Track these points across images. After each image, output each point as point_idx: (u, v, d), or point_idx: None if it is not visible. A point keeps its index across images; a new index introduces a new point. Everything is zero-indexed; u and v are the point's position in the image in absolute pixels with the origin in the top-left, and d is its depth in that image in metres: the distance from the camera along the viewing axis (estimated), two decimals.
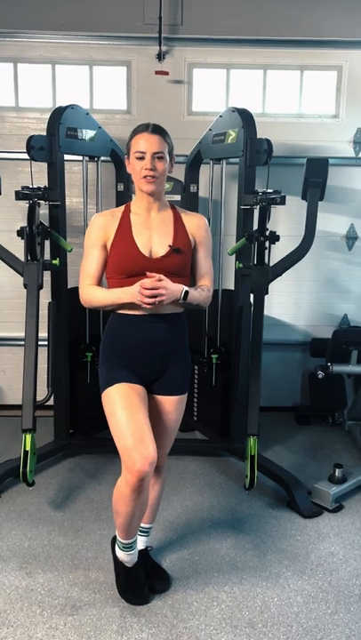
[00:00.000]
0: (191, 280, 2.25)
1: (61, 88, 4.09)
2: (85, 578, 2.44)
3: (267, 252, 3.07)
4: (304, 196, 3.32)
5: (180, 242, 2.15)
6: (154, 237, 2.13)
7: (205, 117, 3.97)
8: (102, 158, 3.71)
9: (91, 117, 3.51)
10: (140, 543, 2.42)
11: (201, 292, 2.19)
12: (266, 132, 3.24)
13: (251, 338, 3.01)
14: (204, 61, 4.07)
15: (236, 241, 3.33)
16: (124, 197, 3.79)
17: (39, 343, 2.97)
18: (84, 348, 3.64)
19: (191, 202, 3.77)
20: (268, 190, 3.08)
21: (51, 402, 3.37)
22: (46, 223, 3.22)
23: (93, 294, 2.14)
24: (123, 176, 3.80)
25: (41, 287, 3.05)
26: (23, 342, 2.93)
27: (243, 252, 3.28)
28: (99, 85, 4.11)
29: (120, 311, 2.14)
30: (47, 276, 3.30)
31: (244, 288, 3.34)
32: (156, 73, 3.88)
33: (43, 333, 3.11)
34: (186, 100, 4.10)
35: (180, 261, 2.14)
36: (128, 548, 2.23)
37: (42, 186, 3.16)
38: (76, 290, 2.24)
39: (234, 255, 3.37)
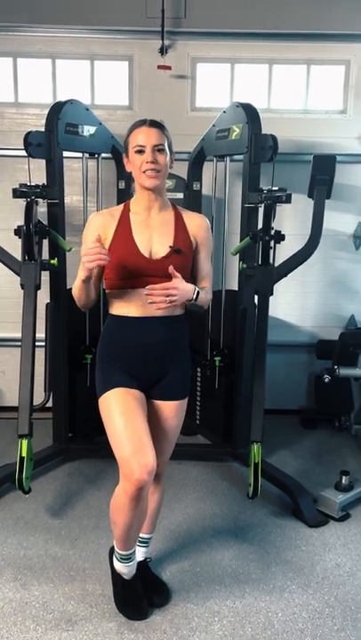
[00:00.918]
0: (192, 282, 2.15)
1: (62, 83, 4.00)
2: (82, 590, 2.35)
3: (272, 251, 2.96)
4: (311, 193, 3.22)
5: (181, 242, 2.06)
6: (154, 238, 2.04)
7: (209, 113, 3.87)
8: (103, 155, 3.61)
9: (91, 113, 3.42)
10: (140, 554, 2.34)
11: (206, 295, 2.10)
12: (271, 128, 3.14)
13: (255, 340, 2.91)
14: (208, 56, 3.97)
15: (240, 240, 3.23)
16: (125, 195, 3.69)
17: (38, 344, 2.88)
18: (83, 349, 3.55)
19: (194, 200, 3.67)
20: (274, 188, 2.98)
21: (50, 404, 3.30)
22: (45, 222, 3.13)
23: (74, 287, 2.05)
24: (124, 173, 3.69)
25: (38, 287, 2.97)
26: (21, 343, 2.84)
27: (247, 251, 3.18)
28: (100, 80, 4.02)
29: (117, 313, 2.06)
30: (45, 276, 3.21)
31: (247, 289, 3.24)
32: (159, 67, 3.78)
33: (41, 334, 3.03)
34: (189, 96, 4.00)
35: (181, 262, 2.04)
36: (126, 559, 2.14)
37: (40, 183, 3.07)
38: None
39: (237, 255, 3.27)
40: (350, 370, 3.46)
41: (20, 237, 2.96)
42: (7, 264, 3.05)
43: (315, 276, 4.18)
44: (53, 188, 3.16)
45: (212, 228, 2.22)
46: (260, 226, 3.04)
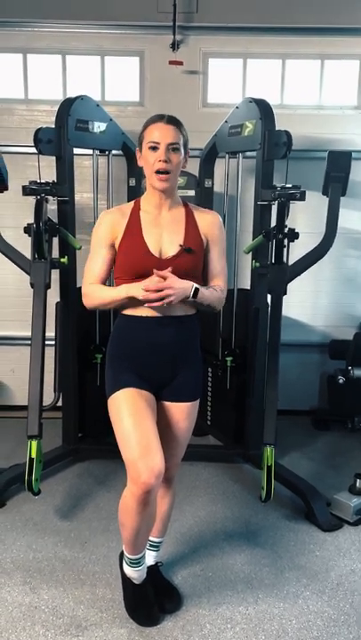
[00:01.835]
0: (203, 281, 2.10)
1: (72, 79, 3.96)
2: (92, 595, 2.31)
3: (285, 250, 2.90)
4: (325, 191, 3.16)
5: (192, 241, 2.01)
6: (164, 236, 1.99)
7: (221, 109, 3.80)
8: (113, 152, 3.56)
9: (101, 109, 3.37)
10: (150, 558, 2.29)
11: (213, 292, 2.04)
12: (284, 124, 3.07)
13: (268, 341, 2.85)
14: (220, 51, 3.92)
15: (253, 238, 3.18)
16: (135, 193, 3.63)
17: (47, 343, 2.85)
18: (93, 348, 3.51)
19: (206, 197, 3.62)
20: (287, 185, 2.92)
21: (59, 403, 3.27)
22: (55, 220, 3.09)
23: (95, 290, 2.02)
24: (135, 170, 3.65)
25: (48, 286, 2.93)
26: (31, 341, 2.80)
27: (259, 250, 3.12)
28: (110, 76, 3.97)
29: (127, 312, 2.01)
30: (55, 274, 3.17)
31: (260, 288, 3.18)
32: (170, 63, 3.73)
33: (51, 332, 2.99)
34: (201, 92, 3.95)
35: (192, 261, 2.00)
36: (136, 563, 2.10)
37: (50, 181, 3.03)
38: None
39: (250, 253, 3.21)
40: None
41: (29, 235, 2.93)
42: (17, 262, 3.02)
43: (327, 274, 4.11)
44: (63, 185, 3.12)
45: (223, 225, 2.16)
46: (273, 224, 2.99)
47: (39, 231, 2.86)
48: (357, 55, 3.92)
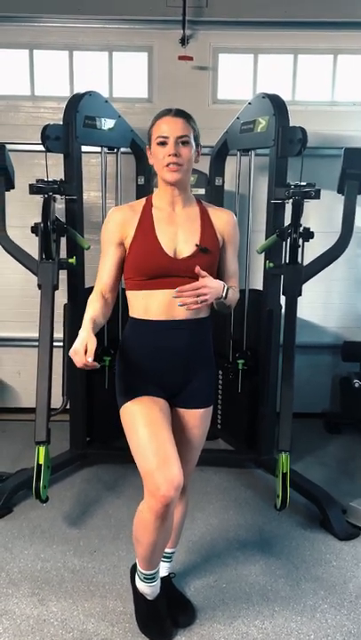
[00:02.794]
0: None
1: (79, 75, 3.89)
2: (102, 607, 2.23)
3: (300, 250, 2.82)
4: (340, 189, 3.07)
5: (208, 240, 1.92)
6: (179, 235, 1.91)
7: (231, 106, 3.72)
8: (122, 150, 3.49)
9: (110, 105, 3.29)
10: (163, 569, 2.21)
11: (234, 293, 1.96)
12: (296, 120, 3.00)
13: (283, 345, 2.77)
14: (231, 46, 3.84)
15: (266, 238, 3.09)
16: (144, 191, 3.55)
17: (55, 344, 2.77)
18: (101, 351, 3.43)
19: (216, 195, 3.53)
20: (302, 183, 2.84)
21: (67, 406, 3.20)
22: (62, 219, 3.01)
23: (88, 305, 1.90)
24: (144, 168, 3.57)
25: (56, 288, 2.86)
26: (37, 343, 2.73)
27: (272, 250, 3.04)
28: (118, 72, 3.90)
29: (137, 316, 1.93)
30: (63, 274, 3.10)
31: (273, 289, 3.10)
32: (180, 58, 3.65)
33: (58, 334, 2.91)
34: (211, 88, 3.87)
35: (208, 262, 1.91)
36: (150, 579, 2.01)
37: (58, 179, 2.95)
38: (93, 289, 2.02)
39: (262, 253, 3.12)
40: None
41: (36, 235, 2.86)
42: (24, 263, 2.95)
43: (339, 274, 4.02)
44: (71, 183, 3.05)
45: None
46: (286, 223, 2.90)
47: (47, 231, 2.79)
48: None
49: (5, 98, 3.89)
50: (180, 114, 1.87)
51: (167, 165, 1.84)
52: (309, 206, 3.14)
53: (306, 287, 3.40)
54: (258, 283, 3.40)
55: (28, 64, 3.86)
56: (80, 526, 2.79)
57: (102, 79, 3.88)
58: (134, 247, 1.89)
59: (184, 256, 1.88)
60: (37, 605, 2.24)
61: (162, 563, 2.17)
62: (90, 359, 1.66)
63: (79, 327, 3.27)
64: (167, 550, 2.20)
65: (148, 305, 1.89)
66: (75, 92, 3.24)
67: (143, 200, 1.98)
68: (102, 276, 1.95)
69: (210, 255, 1.92)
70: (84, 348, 1.68)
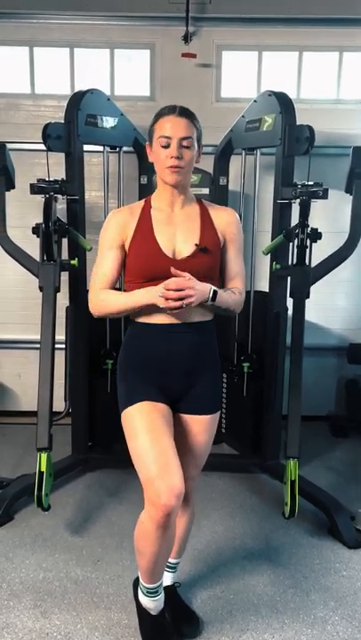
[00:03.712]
0: (220, 283, 1.95)
1: (80, 73, 3.82)
2: (107, 620, 2.17)
3: (307, 251, 2.75)
4: (349, 188, 3.01)
5: (208, 240, 1.86)
6: (178, 235, 1.85)
7: (235, 104, 3.67)
8: (124, 149, 3.42)
9: (112, 103, 3.23)
10: (167, 579, 2.15)
11: (231, 295, 1.89)
12: (301, 119, 2.93)
13: (290, 348, 2.71)
14: (234, 43, 3.78)
15: (272, 239, 3.03)
16: (147, 191, 3.49)
17: (56, 347, 2.71)
18: (104, 354, 3.37)
19: (220, 195, 3.47)
20: (309, 182, 2.77)
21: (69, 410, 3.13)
22: (64, 219, 2.94)
23: (107, 298, 1.86)
24: (146, 168, 3.51)
25: (58, 290, 2.79)
26: (38, 346, 2.67)
27: (278, 251, 2.97)
28: (120, 70, 3.83)
29: (139, 320, 1.86)
30: (64, 276, 3.03)
31: (280, 291, 3.04)
32: (183, 55, 3.59)
33: (60, 336, 2.85)
34: (214, 86, 3.81)
35: (208, 262, 1.85)
36: (153, 593, 1.95)
37: (59, 179, 2.88)
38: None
39: (268, 254, 3.06)
40: None
41: (37, 236, 2.79)
42: (24, 264, 2.88)
43: (345, 275, 3.95)
44: (73, 183, 2.98)
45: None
46: (292, 223, 2.84)
47: (48, 232, 2.73)
48: None
49: (5, 96, 3.82)
50: (185, 113, 1.81)
51: (168, 167, 1.78)
52: (315, 206, 3.08)
53: (311, 288, 3.34)
54: (263, 284, 3.34)
55: (28, 61, 3.80)
56: (83, 534, 2.73)
57: (104, 77, 3.82)
58: (133, 249, 1.84)
59: (184, 256, 1.82)
60: (40, 618, 2.17)
61: (166, 573, 2.12)
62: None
63: (81, 330, 3.21)
64: (171, 561, 2.14)
65: (150, 308, 1.82)
66: (76, 90, 3.18)
67: (142, 202, 1.93)
68: (102, 275, 1.87)
69: (210, 255, 1.85)
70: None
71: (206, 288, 1.77)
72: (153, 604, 1.97)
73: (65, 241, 2.97)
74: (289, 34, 3.74)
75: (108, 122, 3.15)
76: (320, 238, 2.75)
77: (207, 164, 3.40)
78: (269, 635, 2.11)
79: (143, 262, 1.81)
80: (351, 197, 3.05)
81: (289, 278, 2.88)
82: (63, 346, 3.03)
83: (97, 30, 3.73)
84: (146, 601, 1.96)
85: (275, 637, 2.10)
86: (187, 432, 1.93)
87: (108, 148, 3.33)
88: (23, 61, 3.79)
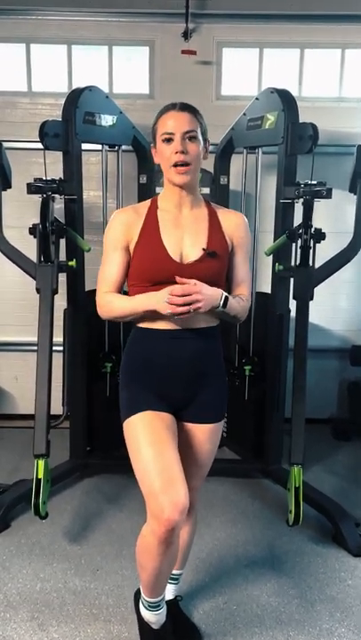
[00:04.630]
0: (226, 289, 1.88)
1: (78, 70, 3.76)
2: (106, 632, 2.10)
3: (311, 251, 2.69)
4: (352, 188, 2.95)
5: (216, 244, 1.79)
6: (185, 239, 1.78)
7: (236, 102, 3.61)
8: (123, 147, 3.35)
9: (111, 101, 3.17)
10: (169, 592, 2.09)
11: (240, 302, 1.83)
12: (303, 117, 2.86)
13: (294, 351, 2.65)
14: (235, 40, 3.72)
15: (274, 239, 2.97)
16: (146, 190, 3.43)
17: (54, 349, 2.64)
18: (102, 357, 3.30)
19: (221, 195, 3.41)
20: (312, 182, 2.71)
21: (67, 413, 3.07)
22: (62, 220, 2.87)
23: (112, 302, 1.80)
24: (146, 167, 3.44)
25: (56, 292, 2.72)
26: (36, 348, 2.61)
27: (281, 251, 2.91)
28: (119, 67, 3.76)
29: (143, 325, 1.80)
30: (62, 277, 2.96)
31: (282, 292, 2.98)
32: (183, 52, 3.53)
33: (58, 338, 2.78)
34: (214, 83, 3.75)
35: (216, 267, 1.78)
36: (155, 607, 1.88)
37: (57, 178, 2.81)
38: (94, 292, 1.90)
39: (270, 255, 2.99)
40: None
41: (35, 237, 2.72)
42: (21, 266, 2.82)
43: (348, 275, 3.88)
44: (71, 182, 2.91)
45: None
46: (295, 223, 2.78)
47: (45, 232, 2.66)
48: None
49: (1, 94, 3.75)
50: (186, 107, 1.74)
51: (174, 166, 1.71)
52: (316, 206, 3.03)
53: None
54: (264, 285, 3.28)
55: (24, 58, 3.73)
56: (81, 542, 2.66)
57: (102, 74, 3.75)
58: (138, 252, 1.77)
59: (191, 261, 1.76)
60: (37, 631, 2.11)
61: (168, 585, 2.04)
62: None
63: (79, 332, 3.15)
64: (174, 572, 2.07)
65: (154, 313, 1.76)
66: (73, 88, 3.11)
67: (148, 202, 1.86)
68: (108, 278, 1.81)
69: (218, 260, 1.79)
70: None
71: (218, 293, 1.71)
72: (155, 618, 1.90)
73: (63, 242, 2.90)
74: (290, 30, 3.68)
75: (107, 120, 3.09)
76: (324, 239, 2.69)
77: (207, 163, 3.30)
78: None
79: (149, 266, 1.75)
80: (355, 197, 2.99)
81: (292, 280, 2.82)
82: (61, 348, 2.96)
83: (95, 27, 3.67)
84: (148, 615, 1.90)
85: None
86: (190, 441, 1.87)
87: (106, 147, 3.26)
88: (20, 58, 3.73)
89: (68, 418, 3.12)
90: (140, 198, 3.37)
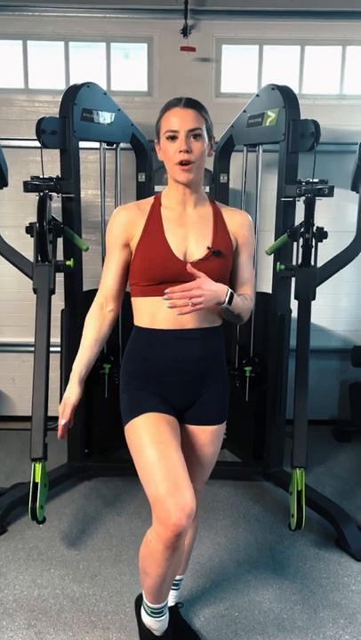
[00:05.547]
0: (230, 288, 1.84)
1: (75, 68, 3.70)
2: None
3: (313, 250, 2.64)
4: (355, 186, 2.90)
5: (221, 243, 1.75)
6: (190, 237, 1.73)
7: (236, 99, 3.56)
8: (122, 145, 3.30)
9: (109, 98, 3.11)
10: (170, 598, 2.04)
11: (244, 301, 1.78)
12: (303, 115, 2.81)
13: (296, 352, 2.60)
14: (235, 36, 3.66)
15: (275, 238, 2.92)
16: (145, 189, 3.38)
17: (52, 350, 2.60)
18: (101, 358, 3.25)
19: (221, 193, 3.37)
20: (314, 180, 2.67)
21: None
22: (59, 218, 2.82)
23: (85, 327, 1.84)
24: (144, 165, 3.39)
25: (53, 292, 2.67)
26: (33, 349, 2.56)
27: (282, 251, 2.87)
28: (117, 64, 3.71)
29: (143, 325, 1.75)
30: (60, 277, 2.91)
31: (284, 292, 2.93)
32: (182, 49, 3.48)
33: (55, 339, 2.73)
34: (214, 80, 3.69)
35: (221, 266, 1.74)
36: (158, 613, 1.84)
37: (54, 176, 2.76)
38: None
39: (271, 254, 2.95)
40: None
41: (31, 236, 2.67)
42: (18, 266, 2.77)
43: (349, 275, 3.84)
44: (68, 180, 2.86)
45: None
46: (296, 222, 2.73)
47: (43, 231, 2.61)
48: None
49: None
50: (191, 104, 1.70)
51: (179, 164, 1.67)
52: (317, 204, 2.98)
53: None
54: (265, 285, 3.24)
55: (21, 55, 3.67)
56: (79, 547, 2.61)
57: (100, 71, 3.70)
58: (141, 249, 1.72)
59: (195, 259, 1.71)
60: (34, 639, 2.06)
61: (170, 591, 2.00)
62: (63, 421, 1.74)
63: (77, 333, 3.10)
64: (175, 577, 2.02)
65: (155, 313, 1.71)
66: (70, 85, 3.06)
67: (151, 199, 1.81)
68: (106, 281, 1.79)
69: (223, 259, 1.74)
70: (62, 408, 1.75)
71: (223, 289, 1.66)
72: (158, 625, 1.86)
73: (60, 241, 2.85)
74: (291, 27, 3.63)
75: (105, 117, 3.04)
76: (326, 237, 2.65)
77: (207, 162, 3.27)
78: None
79: (151, 264, 1.70)
80: (357, 196, 2.95)
81: (293, 279, 2.77)
82: (59, 349, 2.91)
83: (93, 23, 3.62)
84: (150, 621, 1.85)
85: None
86: (192, 443, 1.83)
87: (104, 145, 3.21)
88: (16, 55, 3.67)
89: None
90: (139, 197, 3.32)
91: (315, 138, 2.68)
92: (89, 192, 3.60)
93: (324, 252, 2.85)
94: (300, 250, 2.65)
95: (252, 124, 2.99)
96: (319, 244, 2.69)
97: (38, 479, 2.38)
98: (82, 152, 3.03)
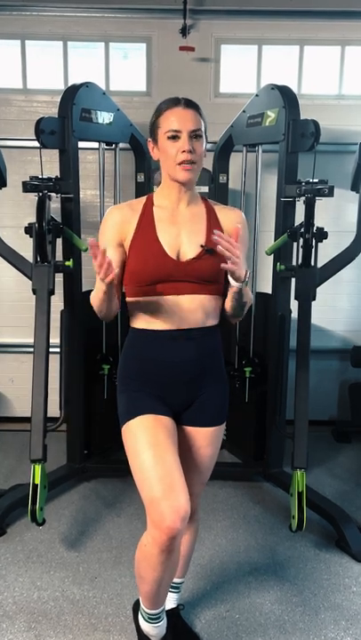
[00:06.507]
0: (224, 288, 1.82)
1: (74, 68, 3.69)
2: None
3: (313, 251, 2.63)
4: (355, 186, 2.89)
5: (215, 241, 1.74)
6: (183, 236, 1.72)
7: (235, 99, 3.56)
8: (121, 145, 3.29)
9: (108, 98, 3.11)
10: (170, 601, 2.03)
11: (249, 292, 1.75)
12: (302, 115, 2.80)
13: (296, 352, 2.59)
14: (234, 36, 3.66)
15: (275, 238, 2.91)
16: (144, 189, 3.38)
17: (51, 351, 2.58)
18: (100, 358, 3.24)
19: (220, 194, 3.36)
20: (314, 180, 2.66)
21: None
22: (58, 219, 2.81)
23: (92, 294, 1.69)
24: (143, 165, 3.39)
25: (52, 292, 2.66)
26: (32, 349, 2.54)
27: (282, 251, 2.86)
28: (115, 64, 3.70)
29: (139, 326, 1.74)
30: (59, 278, 2.89)
31: (284, 293, 2.93)
32: (181, 49, 3.46)
33: (55, 339, 2.72)
34: (213, 80, 3.69)
35: (215, 265, 1.71)
36: (155, 619, 1.82)
37: (53, 176, 2.75)
38: (91, 293, 1.83)
39: (270, 255, 2.94)
40: None
41: (30, 236, 2.66)
42: (17, 266, 2.75)
43: (349, 275, 3.83)
44: (68, 181, 2.85)
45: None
46: (296, 222, 2.72)
47: (42, 231, 2.59)
48: None
49: None
50: (191, 105, 1.69)
51: (181, 163, 1.65)
52: (317, 204, 2.98)
53: None
54: (265, 285, 3.23)
55: (19, 55, 3.66)
56: (79, 549, 2.60)
57: (98, 71, 3.69)
58: (134, 249, 1.71)
59: (188, 258, 1.70)
60: None
61: (169, 594, 1.99)
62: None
63: (77, 334, 3.08)
64: (175, 580, 2.01)
65: (151, 313, 1.70)
66: (69, 85, 3.05)
67: (143, 198, 1.80)
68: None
69: (217, 257, 1.72)
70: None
71: (244, 267, 1.63)
72: (155, 631, 1.84)
73: (59, 241, 2.84)
74: (290, 27, 3.63)
75: (104, 117, 3.03)
76: (326, 237, 2.63)
77: (206, 162, 3.24)
78: None
79: (144, 264, 1.69)
80: (357, 196, 2.94)
81: (293, 279, 2.76)
82: (58, 350, 2.90)
83: (91, 23, 3.61)
84: (147, 627, 1.84)
85: None
86: (190, 445, 1.81)
87: (103, 145, 3.20)
88: (14, 55, 3.66)
89: (65, 421, 3.06)
90: (138, 197, 3.30)
91: (315, 138, 2.68)
92: (88, 192, 3.59)
93: (325, 252, 2.84)
94: (301, 250, 2.64)
95: (252, 124, 2.99)
96: (319, 244, 2.68)
97: (38, 481, 2.37)
98: (81, 152, 3.01)
